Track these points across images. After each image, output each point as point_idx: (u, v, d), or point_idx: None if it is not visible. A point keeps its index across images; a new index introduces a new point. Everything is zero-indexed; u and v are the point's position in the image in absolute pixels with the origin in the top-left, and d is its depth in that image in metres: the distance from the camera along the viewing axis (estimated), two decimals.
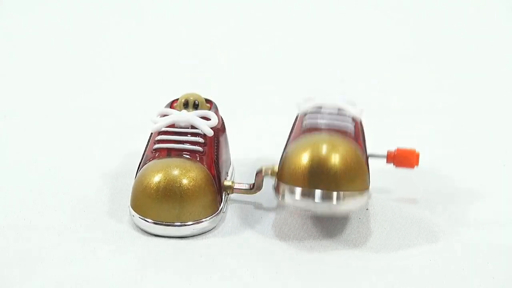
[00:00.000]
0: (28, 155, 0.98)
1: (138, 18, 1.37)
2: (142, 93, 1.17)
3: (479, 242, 0.81)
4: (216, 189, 0.79)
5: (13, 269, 0.75)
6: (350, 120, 0.83)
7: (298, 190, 0.74)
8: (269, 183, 0.81)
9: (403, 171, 0.89)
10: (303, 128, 0.82)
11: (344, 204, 0.74)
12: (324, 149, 0.74)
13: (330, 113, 0.84)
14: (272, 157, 0.84)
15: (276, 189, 0.77)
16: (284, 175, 0.76)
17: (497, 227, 0.84)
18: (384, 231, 0.82)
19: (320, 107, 0.85)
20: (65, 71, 1.22)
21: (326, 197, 0.73)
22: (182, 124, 0.82)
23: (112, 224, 0.81)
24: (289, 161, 0.76)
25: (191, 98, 0.86)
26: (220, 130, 0.85)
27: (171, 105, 0.89)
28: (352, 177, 0.74)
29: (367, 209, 0.85)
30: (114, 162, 0.95)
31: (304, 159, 0.74)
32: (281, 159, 0.78)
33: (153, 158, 0.80)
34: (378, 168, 0.85)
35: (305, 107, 0.85)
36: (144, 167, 0.79)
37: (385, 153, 0.85)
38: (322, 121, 0.82)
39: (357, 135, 0.82)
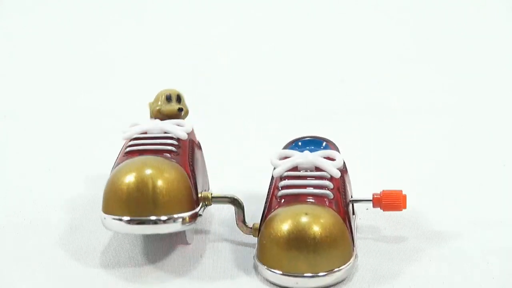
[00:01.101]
0: (28, 155, 0.98)
1: (138, 18, 1.37)
2: (142, 93, 1.17)
3: (479, 242, 0.80)
4: (192, 188, 0.74)
5: (13, 269, 0.75)
6: (329, 180, 0.77)
7: (279, 272, 0.71)
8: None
9: None
10: (278, 196, 0.76)
11: (330, 278, 0.71)
12: (303, 228, 0.70)
13: (306, 176, 0.77)
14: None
15: (256, 266, 0.74)
16: (262, 257, 0.72)
17: (497, 227, 0.84)
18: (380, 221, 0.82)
19: (296, 167, 0.78)
20: (65, 71, 1.22)
21: (313, 276, 0.70)
22: (155, 132, 0.79)
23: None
24: (269, 232, 0.72)
25: (172, 93, 0.83)
26: (195, 144, 0.82)
27: None
28: (334, 249, 0.71)
29: (367, 209, 0.85)
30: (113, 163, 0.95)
31: (285, 233, 0.71)
32: (261, 224, 0.74)
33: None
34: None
35: (279, 169, 0.78)
36: (116, 168, 0.75)
37: (371, 197, 0.79)
38: (298, 189, 0.76)
39: (336, 198, 0.76)
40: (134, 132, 0.79)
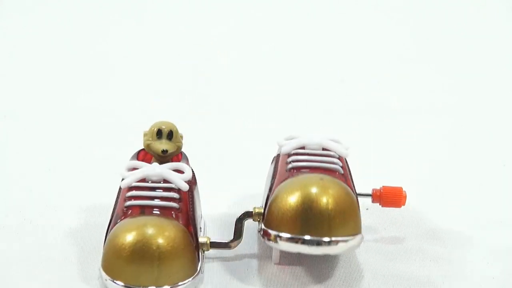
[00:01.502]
0: (28, 155, 0.98)
1: (138, 18, 1.37)
2: (142, 93, 1.17)
3: (479, 242, 0.81)
4: (194, 248, 0.72)
5: (13, 269, 0.75)
6: (337, 158, 0.78)
7: (288, 236, 0.70)
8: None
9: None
10: (288, 169, 0.77)
11: (336, 248, 0.70)
12: (314, 192, 0.70)
13: (315, 153, 0.78)
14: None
15: (264, 234, 0.72)
16: (272, 220, 0.71)
17: (497, 227, 0.84)
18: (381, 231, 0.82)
19: (303, 147, 0.79)
20: (65, 71, 1.22)
21: (318, 243, 0.69)
22: (154, 178, 0.75)
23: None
24: (277, 205, 0.71)
25: (164, 127, 0.77)
26: (192, 183, 0.77)
27: (138, 156, 0.82)
28: (345, 221, 0.70)
29: (367, 209, 0.85)
30: (113, 163, 0.95)
31: (294, 202, 0.70)
32: (266, 202, 0.74)
33: (125, 216, 0.72)
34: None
35: (287, 147, 0.79)
36: (116, 226, 0.71)
37: (370, 192, 0.79)
38: (308, 161, 0.77)
39: (345, 174, 0.77)
40: (133, 179, 0.74)
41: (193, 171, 0.79)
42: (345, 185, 0.73)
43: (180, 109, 1.11)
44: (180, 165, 0.76)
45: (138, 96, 1.16)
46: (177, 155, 0.80)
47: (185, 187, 0.74)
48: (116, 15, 1.37)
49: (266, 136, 1.03)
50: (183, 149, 0.80)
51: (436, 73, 1.24)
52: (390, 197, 0.79)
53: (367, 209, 0.85)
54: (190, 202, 0.75)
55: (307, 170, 0.75)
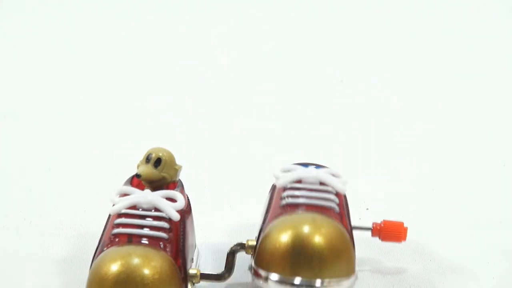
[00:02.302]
0: (28, 155, 0.98)
1: (138, 18, 1.37)
2: (142, 93, 1.17)
3: (479, 242, 0.81)
4: (181, 280, 0.68)
5: (13, 269, 0.75)
6: (334, 195, 0.74)
7: (277, 278, 0.68)
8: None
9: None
10: (282, 205, 0.73)
11: None
12: (306, 232, 0.68)
13: (311, 188, 0.74)
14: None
15: (255, 273, 0.70)
16: (262, 259, 0.69)
17: (497, 227, 0.84)
18: None
19: (300, 180, 0.75)
20: (65, 71, 1.22)
21: (309, 286, 0.67)
22: (145, 206, 0.71)
23: None
24: (268, 244, 0.69)
25: (153, 153, 0.74)
26: (186, 212, 0.74)
27: (132, 181, 0.78)
28: (338, 262, 0.68)
29: (367, 208, 0.85)
30: (113, 163, 0.95)
31: (285, 242, 0.68)
32: (258, 239, 0.72)
33: (112, 244, 0.69)
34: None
35: (283, 180, 0.75)
36: (100, 255, 0.68)
37: (371, 226, 0.76)
38: (303, 199, 0.73)
39: (341, 213, 0.74)
40: (122, 206, 0.71)
41: (188, 198, 0.76)
42: (338, 224, 0.70)
43: (180, 109, 1.11)
44: (173, 193, 0.72)
45: (138, 96, 1.16)
46: (173, 183, 0.76)
47: (176, 216, 0.71)
48: (116, 15, 1.37)
49: (266, 136, 1.03)
50: (182, 178, 0.77)
51: (436, 73, 1.24)
52: (390, 232, 0.76)
53: (367, 209, 0.85)
54: (181, 232, 0.71)
55: (302, 207, 0.72)
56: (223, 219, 0.85)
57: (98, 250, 0.70)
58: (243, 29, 1.35)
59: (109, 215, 0.72)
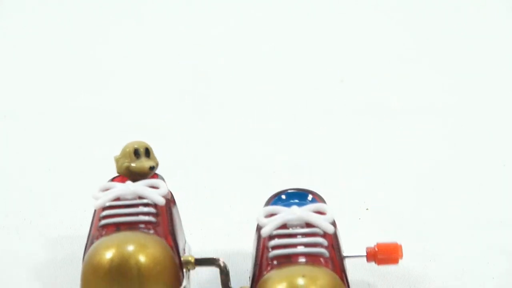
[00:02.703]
0: (28, 155, 0.98)
1: (138, 18, 1.37)
2: (142, 93, 1.17)
3: (479, 242, 0.81)
4: (177, 262, 0.68)
5: (13, 269, 0.75)
6: (322, 238, 0.71)
7: None
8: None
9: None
10: (269, 258, 0.70)
11: None
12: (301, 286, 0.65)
13: (297, 233, 0.71)
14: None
15: None
16: None
17: (497, 227, 0.84)
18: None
19: (285, 225, 0.71)
20: (65, 71, 1.22)
21: None
22: (129, 197, 0.71)
23: None
24: None
25: (138, 146, 0.74)
26: (171, 201, 0.74)
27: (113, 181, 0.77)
28: None
29: (367, 209, 0.85)
30: (113, 163, 0.95)
31: None
32: None
33: (101, 235, 0.69)
34: None
35: (267, 229, 0.71)
36: (92, 245, 0.68)
37: (364, 252, 0.73)
38: (290, 247, 0.69)
39: (332, 256, 0.70)
40: (106, 199, 0.71)
41: (171, 194, 0.75)
42: (330, 273, 0.67)
43: (180, 109, 1.11)
44: (155, 181, 0.72)
45: (138, 96, 1.16)
46: (152, 176, 0.75)
47: (161, 201, 0.70)
48: (116, 15, 1.37)
49: (266, 136, 1.03)
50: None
51: (436, 73, 1.24)
52: (385, 256, 0.73)
53: (367, 209, 0.85)
54: (169, 217, 0.71)
55: (290, 258, 0.68)
56: (223, 219, 0.85)
57: (88, 245, 0.69)
58: (243, 29, 1.35)
59: (94, 211, 0.72)
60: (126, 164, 0.73)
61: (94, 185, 0.90)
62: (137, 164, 0.73)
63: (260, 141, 1.02)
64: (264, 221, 0.71)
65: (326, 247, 0.69)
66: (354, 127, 1.08)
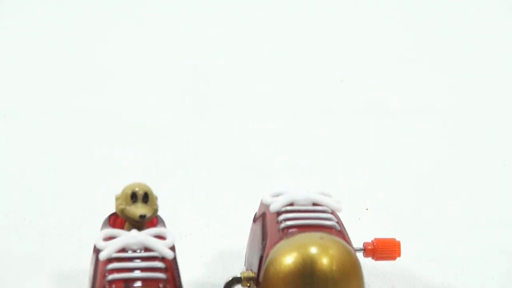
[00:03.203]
0: (28, 155, 0.98)
1: (138, 18, 1.37)
2: (142, 93, 1.17)
3: (479, 242, 0.81)
4: None
5: (13, 269, 0.75)
6: (330, 214, 0.71)
7: None
8: None
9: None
10: (280, 228, 0.69)
11: None
12: (315, 253, 0.64)
13: (307, 210, 0.70)
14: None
15: None
16: (269, 285, 0.65)
17: (497, 227, 0.84)
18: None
19: (292, 203, 0.71)
20: (65, 71, 1.22)
21: None
22: (135, 247, 0.67)
23: None
24: (274, 269, 0.65)
25: (138, 189, 0.69)
26: (172, 248, 0.70)
27: (110, 220, 0.73)
28: (349, 284, 0.64)
29: (367, 208, 0.85)
30: (113, 163, 0.95)
31: (293, 266, 0.64)
32: (259, 268, 0.68)
33: None
34: None
35: (276, 205, 0.71)
36: None
37: (362, 246, 0.73)
38: (301, 219, 0.69)
39: (342, 231, 0.70)
40: (112, 250, 0.67)
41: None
42: (346, 244, 0.67)
43: (180, 109, 1.11)
44: (161, 230, 0.69)
45: (138, 96, 1.16)
46: (151, 220, 0.71)
47: (170, 255, 0.67)
48: (116, 15, 1.37)
49: (266, 136, 1.03)
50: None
51: (436, 73, 1.24)
52: (383, 251, 0.72)
53: (367, 209, 0.85)
54: (176, 270, 0.68)
55: (302, 228, 0.68)
56: (223, 219, 0.85)
57: None
58: (243, 29, 1.35)
59: (97, 260, 0.68)
60: (121, 206, 0.70)
61: (94, 185, 0.90)
62: (130, 210, 0.69)
63: (260, 141, 1.02)
64: (270, 199, 0.72)
65: (336, 222, 0.70)
66: (354, 127, 1.08)
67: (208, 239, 0.82)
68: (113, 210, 0.72)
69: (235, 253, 0.79)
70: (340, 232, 0.69)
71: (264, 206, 0.72)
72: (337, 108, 1.13)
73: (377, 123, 1.09)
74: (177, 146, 1.01)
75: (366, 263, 0.72)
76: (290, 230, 0.68)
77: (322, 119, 1.10)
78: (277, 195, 0.72)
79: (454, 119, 1.11)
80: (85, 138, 1.03)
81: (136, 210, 0.68)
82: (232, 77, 1.22)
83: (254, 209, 0.79)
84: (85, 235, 0.80)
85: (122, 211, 0.69)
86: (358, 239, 0.78)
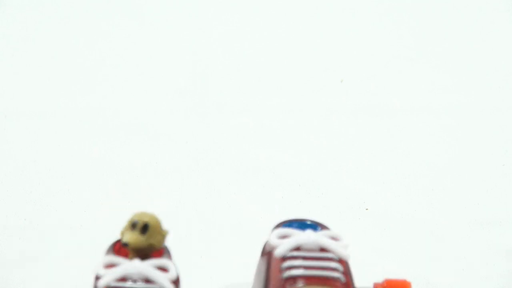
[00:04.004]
0: (28, 155, 0.98)
1: (138, 18, 1.37)
2: (142, 93, 1.17)
3: (479, 242, 0.81)
4: None
5: (13, 269, 0.75)
6: (337, 263, 0.68)
7: None
8: None
9: None
10: (283, 278, 0.67)
11: None
12: None
13: (313, 257, 0.68)
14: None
15: None
16: None
17: (497, 227, 0.84)
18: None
19: (299, 248, 0.69)
20: (65, 71, 1.22)
21: None
22: (135, 277, 0.66)
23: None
24: None
25: (138, 219, 0.68)
26: (176, 282, 0.69)
27: (114, 248, 0.71)
28: None
29: (367, 209, 0.85)
30: (113, 163, 0.95)
31: None
32: None
33: None
34: None
35: (281, 250, 0.69)
36: None
37: (372, 287, 0.72)
38: (305, 269, 0.67)
39: (347, 282, 0.68)
40: (112, 278, 0.65)
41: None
42: None
43: (180, 109, 1.11)
44: (164, 262, 0.67)
45: (138, 96, 1.16)
46: (158, 251, 0.70)
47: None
48: (116, 14, 1.37)
49: (266, 136, 1.03)
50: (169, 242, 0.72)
51: (436, 73, 1.24)
52: None
53: (367, 209, 0.85)
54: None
55: (306, 280, 0.67)
56: (224, 217, 0.85)
57: None
58: (243, 30, 1.35)
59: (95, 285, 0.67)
60: (122, 231, 0.69)
61: (94, 185, 0.90)
62: (124, 236, 0.68)
63: (260, 141, 1.02)
64: (276, 242, 0.69)
65: (342, 272, 0.68)
66: (354, 127, 1.08)
67: (209, 239, 0.82)
68: (112, 215, 0.72)
69: (234, 252, 0.79)
70: (345, 285, 0.67)
71: (270, 246, 0.71)
72: (337, 108, 1.13)
73: (377, 123, 1.09)
74: (177, 146, 1.01)
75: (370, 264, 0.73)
76: (292, 281, 0.66)
77: (322, 119, 1.10)
78: (284, 236, 0.70)
79: (454, 119, 1.11)
80: (85, 138, 1.03)
81: (123, 237, 0.67)
82: (232, 77, 1.22)
83: (255, 207, 0.78)
84: (85, 235, 0.80)
85: (121, 234, 0.68)
86: (358, 239, 0.79)
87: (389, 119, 1.10)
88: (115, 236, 0.77)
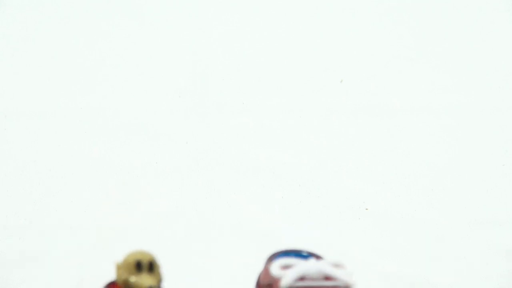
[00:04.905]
0: (28, 155, 0.98)
1: (138, 18, 1.37)
2: (142, 93, 1.17)
3: (479, 242, 0.81)
4: None
5: (13, 269, 0.75)
6: None
7: None
8: None
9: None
10: None
11: None
12: None
13: (318, 286, 0.67)
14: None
15: None
16: None
17: (497, 227, 0.84)
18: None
19: (303, 278, 0.68)
20: (65, 71, 1.22)
21: None
22: None
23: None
24: None
25: (142, 258, 0.65)
26: None
27: None
28: None
29: (367, 209, 0.85)
30: (113, 163, 0.95)
31: None
32: None
33: None
34: None
35: (286, 280, 0.67)
36: None
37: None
38: None
39: None
40: None
41: None
42: None
43: (180, 109, 1.11)
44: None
45: (138, 96, 1.16)
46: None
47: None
48: (116, 14, 1.37)
49: (266, 136, 1.03)
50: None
51: (436, 73, 1.24)
52: None
53: (367, 209, 0.85)
54: None
55: None
56: (224, 217, 0.85)
57: None
58: (244, 30, 1.35)
59: None
60: (125, 276, 0.65)
61: (94, 185, 0.90)
62: (136, 280, 0.64)
63: (260, 141, 1.02)
64: (281, 273, 0.68)
65: None
66: (354, 127, 1.08)
67: (209, 238, 0.82)
68: (110, 229, 0.71)
69: (234, 252, 0.79)
70: None
71: (271, 277, 0.69)
72: (337, 108, 1.13)
73: (377, 123, 1.09)
74: (177, 146, 1.01)
75: (371, 267, 0.73)
76: None
77: (322, 119, 1.10)
78: (286, 266, 0.68)
79: (454, 119, 1.11)
80: (85, 138, 1.03)
81: (142, 281, 0.64)
82: (232, 78, 1.22)
83: (255, 206, 0.78)
84: (85, 235, 0.80)
85: (126, 281, 0.64)
86: (358, 239, 0.79)
87: (389, 119, 1.10)
88: (115, 236, 0.77)
